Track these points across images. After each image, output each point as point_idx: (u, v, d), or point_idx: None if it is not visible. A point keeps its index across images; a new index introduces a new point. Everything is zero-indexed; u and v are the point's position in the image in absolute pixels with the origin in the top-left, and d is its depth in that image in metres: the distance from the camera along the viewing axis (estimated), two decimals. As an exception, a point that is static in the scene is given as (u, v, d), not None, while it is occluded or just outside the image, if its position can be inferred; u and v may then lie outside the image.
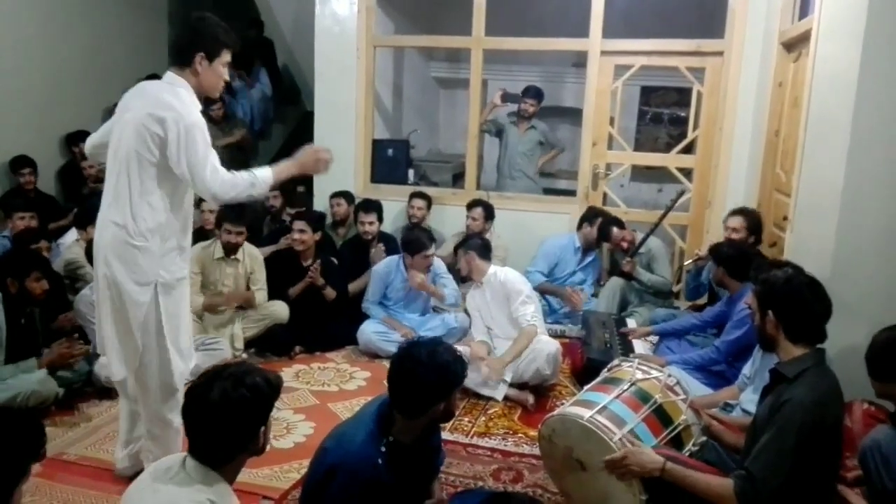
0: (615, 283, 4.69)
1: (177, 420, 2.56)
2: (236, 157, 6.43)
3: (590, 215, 4.93)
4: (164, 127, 2.33)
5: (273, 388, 1.84)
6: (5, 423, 1.40)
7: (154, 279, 2.44)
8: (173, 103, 2.36)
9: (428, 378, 2.06)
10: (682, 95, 6.38)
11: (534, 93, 5.82)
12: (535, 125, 5.89)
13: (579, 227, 4.97)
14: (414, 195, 5.31)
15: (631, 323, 4.33)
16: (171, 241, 2.48)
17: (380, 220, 4.99)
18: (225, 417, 1.73)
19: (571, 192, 5.72)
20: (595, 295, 4.94)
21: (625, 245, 4.66)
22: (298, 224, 4.53)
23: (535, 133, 5.91)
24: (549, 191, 6.26)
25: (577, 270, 5.00)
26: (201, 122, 2.41)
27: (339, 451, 2.07)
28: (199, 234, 4.78)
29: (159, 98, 2.38)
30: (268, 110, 7.45)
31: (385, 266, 4.51)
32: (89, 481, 2.79)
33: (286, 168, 2.59)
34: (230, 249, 4.29)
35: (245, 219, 4.45)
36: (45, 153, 5.71)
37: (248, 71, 7.26)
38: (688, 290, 4.58)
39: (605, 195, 5.44)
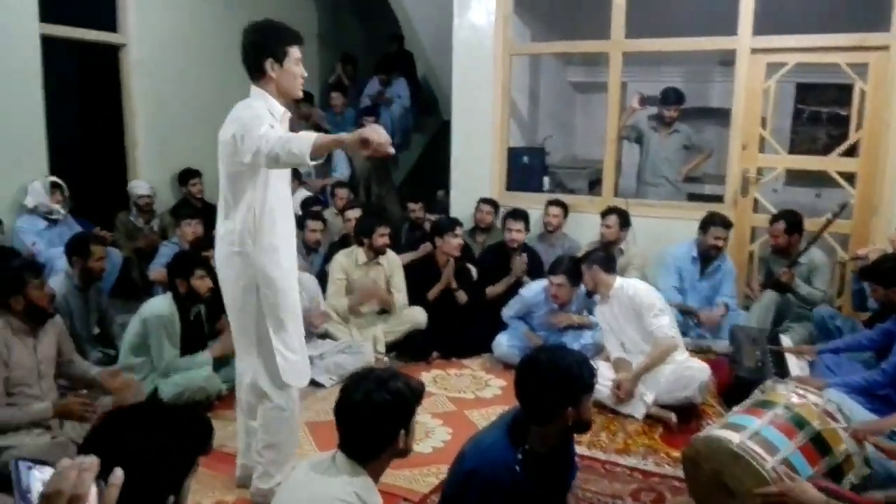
0: (769, 296, 4.39)
1: (289, 422, 2.68)
2: (377, 167, 6.70)
3: (708, 222, 4.60)
4: (231, 134, 2.37)
5: (414, 394, 1.95)
6: (177, 418, 1.51)
7: (254, 280, 2.52)
8: (238, 114, 2.42)
9: (550, 380, 2.05)
10: (842, 93, 5.86)
11: (674, 97, 5.59)
12: (677, 129, 5.66)
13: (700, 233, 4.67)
14: (550, 202, 5.27)
15: (785, 340, 4.02)
16: (264, 241, 2.52)
17: (526, 229, 4.98)
18: (367, 417, 1.85)
19: (717, 198, 5.44)
20: (747, 308, 4.66)
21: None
22: (458, 230, 4.65)
23: (679, 137, 5.67)
24: (693, 196, 5.97)
25: (700, 281, 4.69)
26: (263, 116, 2.38)
27: (477, 456, 2.11)
28: (344, 243, 5.04)
29: (233, 115, 2.45)
30: (407, 122, 7.69)
31: (532, 293, 4.35)
32: (247, 473, 2.98)
33: (331, 137, 2.32)
34: (378, 252, 4.46)
35: (389, 221, 4.64)
36: (212, 163, 6.19)
37: (388, 83, 7.52)
38: (853, 298, 4.21)
39: (755, 201, 5.11)
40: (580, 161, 7.02)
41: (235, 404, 3.17)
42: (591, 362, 3.72)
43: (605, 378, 3.66)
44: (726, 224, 4.56)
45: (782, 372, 3.52)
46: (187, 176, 5.90)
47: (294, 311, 2.66)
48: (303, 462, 1.98)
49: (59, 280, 3.87)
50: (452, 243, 4.58)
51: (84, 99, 6.58)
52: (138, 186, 5.56)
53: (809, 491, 1.94)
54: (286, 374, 2.61)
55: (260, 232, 2.49)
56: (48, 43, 4.96)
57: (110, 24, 5.55)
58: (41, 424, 2.77)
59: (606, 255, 3.83)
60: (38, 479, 1.06)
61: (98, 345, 4.10)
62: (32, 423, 2.74)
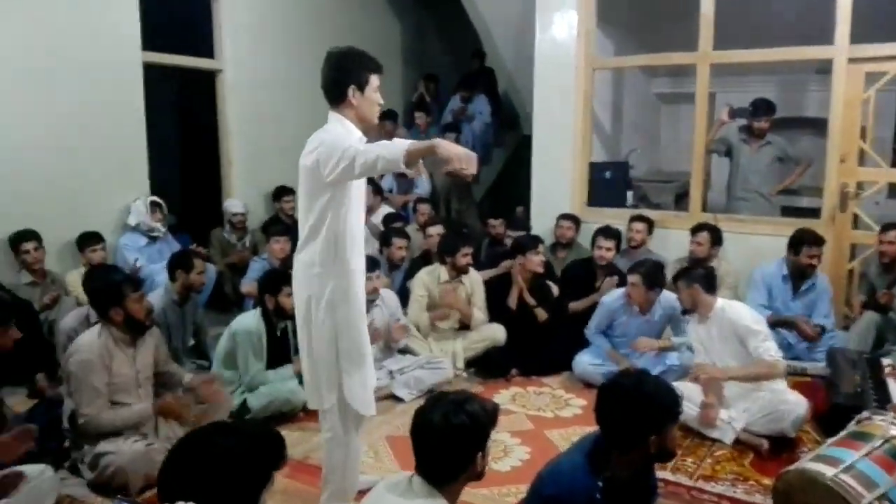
0: (869, 316, 4.14)
1: (354, 441, 2.69)
2: (458, 183, 6.76)
3: (799, 241, 4.36)
4: (315, 156, 2.40)
5: (490, 417, 1.95)
6: (251, 436, 1.58)
7: (332, 302, 2.54)
8: (318, 136, 2.46)
9: (634, 408, 2.01)
10: (953, 101, 5.49)
11: (764, 108, 5.35)
12: (769, 140, 5.42)
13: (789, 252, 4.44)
14: (634, 218, 5.17)
15: (887, 364, 3.78)
16: (344, 264, 2.55)
17: (617, 248, 4.89)
18: (445, 440, 1.87)
19: (813, 212, 5.17)
20: (846, 329, 4.40)
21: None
22: (540, 248, 4.66)
23: (770, 149, 5.42)
24: (787, 210, 5.70)
25: (793, 301, 4.45)
26: (347, 137, 2.43)
27: (556, 482, 2.09)
28: (425, 259, 5.11)
29: (311, 139, 2.50)
30: (488, 137, 7.72)
31: (612, 299, 4.32)
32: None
33: (423, 143, 2.29)
34: (461, 271, 4.52)
35: (472, 240, 4.68)
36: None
37: (469, 99, 7.59)
38: None
39: (855, 216, 4.83)
40: (666, 174, 6.85)
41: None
42: (678, 384, 3.66)
43: (692, 401, 3.54)
44: (818, 242, 4.33)
45: (883, 398, 3.31)
46: (280, 193, 6.13)
47: (364, 336, 2.67)
48: (379, 483, 2.01)
49: (157, 295, 4.11)
50: (535, 261, 4.56)
51: (182, 121, 7.00)
52: (232, 205, 5.82)
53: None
54: (354, 400, 2.62)
55: (341, 254, 2.54)
56: (149, 69, 5.28)
57: (207, 51, 5.87)
58: (138, 431, 2.94)
59: (708, 274, 3.63)
60: None
61: (192, 356, 4.32)
62: (130, 429, 2.91)
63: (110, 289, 2.97)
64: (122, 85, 5.06)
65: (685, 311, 3.70)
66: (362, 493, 2.61)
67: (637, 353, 4.13)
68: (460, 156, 2.21)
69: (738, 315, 3.47)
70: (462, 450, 1.89)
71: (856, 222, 4.84)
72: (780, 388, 3.44)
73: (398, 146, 2.23)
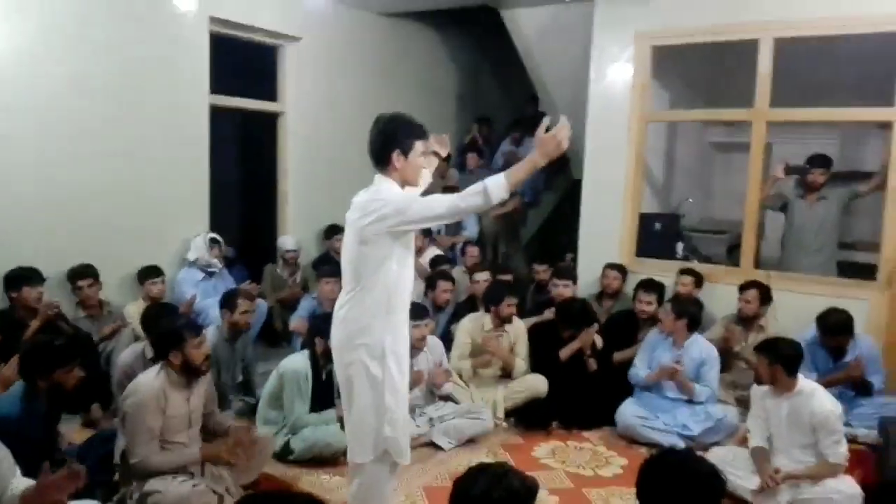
0: (926, 386, 4.00)
1: (388, 489, 2.75)
2: (508, 226, 6.81)
3: (821, 323, 4.21)
4: (379, 215, 2.52)
5: (529, 493, 1.95)
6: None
7: (382, 353, 2.62)
8: (381, 200, 2.57)
9: (680, 489, 1.97)
10: None
11: (820, 161, 5.26)
12: (825, 195, 5.30)
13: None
14: (683, 271, 5.13)
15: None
16: (396, 315, 2.66)
17: (659, 301, 4.87)
18: None
19: (870, 269, 5.01)
20: None
21: None
22: (564, 279, 4.81)
23: (827, 204, 5.29)
24: (845, 266, 5.52)
25: (835, 369, 4.27)
26: (410, 196, 2.62)
27: None
28: (470, 303, 5.15)
29: (364, 200, 2.62)
30: (537, 181, 7.75)
31: (653, 333, 4.48)
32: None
33: (524, 164, 2.52)
34: (506, 321, 4.55)
35: (517, 291, 4.71)
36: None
37: (520, 141, 7.66)
38: None
39: (913, 279, 4.68)
40: (718, 223, 6.76)
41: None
42: (726, 449, 3.59)
43: (738, 467, 3.46)
44: (836, 330, 4.18)
45: (940, 478, 3.18)
46: (332, 231, 6.26)
47: (405, 386, 2.75)
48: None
49: (210, 331, 4.24)
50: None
51: (243, 160, 7.26)
52: (285, 241, 6.00)
53: None
54: (392, 447, 2.67)
55: (392, 305, 2.63)
56: (214, 111, 5.52)
57: (271, 94, 6.11)
58: (185, 471, 3.04)
59: (794, 356, 3.38)
60: None
61: (240, 392, 4.43)
62: (178, 470, 3.01)
63: (172, 333, 3.08)
64: (189, 125, 5.30)
65: (759, 382, 3.49)
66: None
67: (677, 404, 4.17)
68: (559, 145, 2.46)
69: (822, 405, 3.29)
70: None
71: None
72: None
73: (497, 184, 2.45)
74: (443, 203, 2.53)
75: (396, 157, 2.61)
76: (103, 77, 4.75)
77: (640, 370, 4.40)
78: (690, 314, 4.30)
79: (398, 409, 2.68)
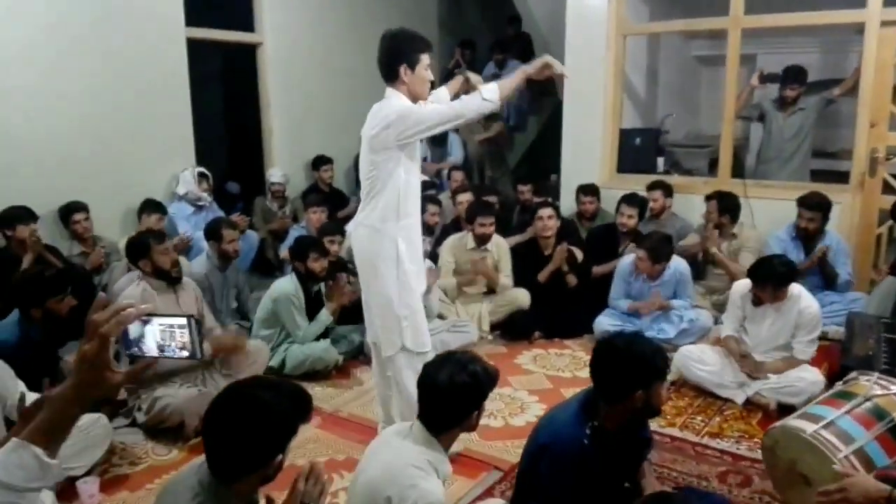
0: (890, 282, 4.15)
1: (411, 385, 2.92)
2: (493, 150, 6.86)
3: (798, 203, 4.48)
4: (385, 123, 2.72)
5: (490, 378, 2.16)
6: (287, 392, 1.79)
7: (395, 252, 2.84)
8: (387, 110, 2.75)
9: (623, 363, 2.16)
10: None
11: (794, 75, 5.29)
12: (802, 106, 5.36)
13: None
14: (651, 186, 5.19)
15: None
16: (406, 218, 2.86)
17: (640, 215, 4.98)
18: (447, 396, 2.08)
19: (843, 175, 5.09)
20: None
21: None
22: (546, 211, 4.77)
23: (803, 115, 5.36)
24: (822, 174, 5.61)
25: (806, 261, 4.47)
26: (413, 105, 2.77)
27: (550, 430, 2.29)
28: (456, 225, 5.28)
29: (378, 112, 2.80)
30: (522, 104, 7.75)
31: (624, 265, 4.53)
32: (357, 435, 3.29)
33: (515, 74, 2.87)
34: (482, 240, 4.67)
35: (494, 211, 4.81)
36: (341, 151, 6.57)
37: (503, 64, 7.62)
38: None
39: (884, 182, 4.79)
40: (705, 138, 6.78)
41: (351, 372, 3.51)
42: (696, 347, 3.77)
43: (706, 363, 3.67)
44: (812, 205, 4.42)
45: (894, 362, 3.37)
46: (320, 162, 6.34)
47: (421, 283, 2.99)
48: (389, 427, 2.24)
49: (201, 260, 4.40)
50: (538, 225, 4.75)
51: (225, 94, 7.25)
52: (273, 174, 6.08)
53: (868, 483, 1.86)
54: (413, 340, 2.91)
55: (403, 209, 2.84)
56: (192, 44, 5.51)
57: (248, 25, 6.08)
58: (187, 379, 3.27)
59: (790, 273, 3.48)
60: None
61: (235, 317, 4.61)
62: (182, 376, 3.26)
63: (139, 243, 3.44)
64: (167, 61, 5.31)
65: (757, 303, 3.60)
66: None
67: (654, 318, 4.27)
68: (548, 63, 2.81)
69: (810, 310, 3.47)
70: (461, 406, 2.11)
71: (884, 188, 4.80)
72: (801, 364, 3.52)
73: (493, 91, 2.73)
74: (443, 108, 2.77)
75: (404, 70, 2.75)
76: (81, 14, 4.76)
77: (619, 301, 4.51)
78: (666, 256, 4.34)
79: (414, 304, 2.91)
